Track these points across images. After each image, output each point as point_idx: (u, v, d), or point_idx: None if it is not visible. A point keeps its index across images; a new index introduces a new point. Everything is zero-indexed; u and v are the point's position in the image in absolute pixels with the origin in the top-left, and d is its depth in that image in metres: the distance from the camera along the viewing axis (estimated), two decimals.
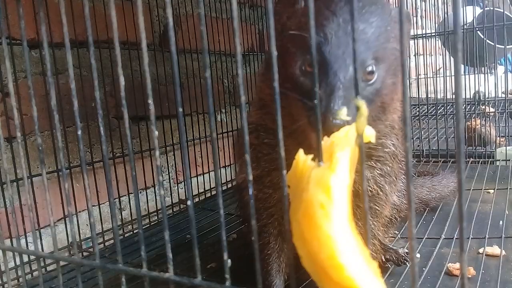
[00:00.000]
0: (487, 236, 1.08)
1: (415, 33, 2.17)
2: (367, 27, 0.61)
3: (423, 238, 1.12)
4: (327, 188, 0.37)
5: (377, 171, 0.75)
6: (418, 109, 2.38)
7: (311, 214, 0.38)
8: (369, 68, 0.61)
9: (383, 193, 0.77)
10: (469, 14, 2.37)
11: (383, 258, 0.96)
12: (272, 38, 0.38)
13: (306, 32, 0.58)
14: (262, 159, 0.76)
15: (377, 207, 0.79)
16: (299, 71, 0.61)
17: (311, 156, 0.42)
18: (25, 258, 1.08)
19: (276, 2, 0.75)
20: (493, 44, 1.92)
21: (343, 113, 0.54)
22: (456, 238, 1.09)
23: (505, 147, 1.89)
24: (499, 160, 1.82)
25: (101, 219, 1.31)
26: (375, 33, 0.62)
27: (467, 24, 2.19)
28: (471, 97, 2.24)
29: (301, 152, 0.42)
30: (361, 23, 0.61)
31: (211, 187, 1.71)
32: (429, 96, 2.12)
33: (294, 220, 0.40)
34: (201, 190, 1.68)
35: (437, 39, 2.46)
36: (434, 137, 2.06)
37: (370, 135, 0.47)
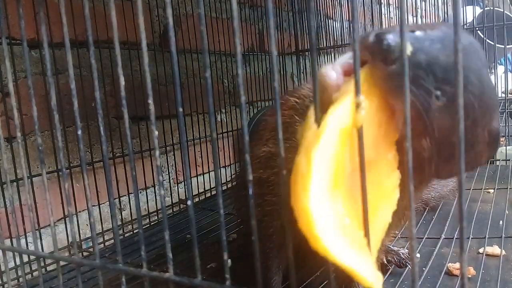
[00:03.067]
0: (487, 236, 1.08)
1: None
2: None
3: (423, 238, 1.12)
4: (308, 158, 0.38)
5: None
6: None
7: (294, 182, 0.38)
8: (437, 92, 0.48)
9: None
10: (469, 14, 2.37)
11: (384, 260, 0.96)
12: (272, 38, 0.38)
13: None
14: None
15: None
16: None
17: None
18: (25, 258, 1.08)
19: None
20: (493, 44, 1.92)
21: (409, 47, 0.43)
22: (456, 238, 1.09)
23: (505, 147, 1.89)
24: (499, 160, 1.82)
25: (101, 219, 1.31)
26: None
27: (467, 24, 2.19)
28: None
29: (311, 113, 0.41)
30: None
31: (211, 187, 1.71)
32: None
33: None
34: (201, 190, 1.68)
35: None
36: None
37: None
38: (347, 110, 0.39)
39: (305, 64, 2.34)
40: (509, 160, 1.77)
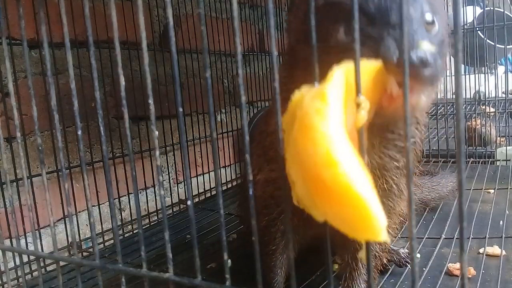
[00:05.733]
0: (487, 236, 1.08)
1: None
2: None
3: (423, 238, 1.12)
4: (322, 95, 0.37)
5: (395, 163, 0.68)
6: None
7: (306, 121, 0.37)
8: (429, 17, 0.52)
9: (397, 188, 0.71)
10: (469, 14, 2.37)
11: (385, 259, 0.96)
12: (272, 38, 0.38)
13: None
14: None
15: (390, 203, 0.73)
16: (345, 36, 0.54)
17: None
18: (25, 258, 1.08)
19: None
20: (493, 44, 1.92)
21: (425, 44, 0.45)
22: (456, 238, 1.09)
23: (505, 147, 1.89)
24: (499, 160, 1.82)
25: (101, 219, 1.30)
26: None
27: (468, 24, 2.19)
28: (472, 97, 2.24)
29: (296, 92, 0.41)
30: None
31: (211, 187, 1.71)
32: None
33: (289, 145, 0.39)
34: (201, 190, 1.68)
35: None
36: (434, 137, 2.06)
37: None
38: (350, 68, 0.39)
39: None
40: (509, 160, 1.77)
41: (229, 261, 0.43)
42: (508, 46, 2.31)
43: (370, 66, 0.44)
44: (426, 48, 0.45)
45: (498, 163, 1.81)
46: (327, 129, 0.36)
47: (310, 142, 0.36)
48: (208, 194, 1.69)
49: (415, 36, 0.47)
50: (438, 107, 2.13)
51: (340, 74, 0.39)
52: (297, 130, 0.38)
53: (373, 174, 0.67)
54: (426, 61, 0.44)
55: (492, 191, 1.44)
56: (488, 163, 1.78)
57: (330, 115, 0.36)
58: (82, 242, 1.26)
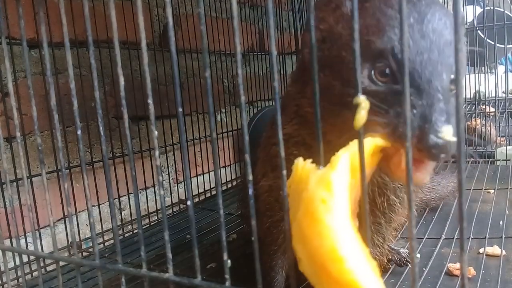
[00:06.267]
0: (487, 236, 1.08)
1: None
2: (447, 27, 0.51)
3: (423, 238, 1.12)
4: (327, 183, 0.38)
5: (400, 184, 0.70)
6: None
7: (312, 210, 0.38)
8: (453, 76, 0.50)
9: (401, 205, 0.74)
10: (470, 13, 2.37)
11: (385, 259, 0.96)
12: (272, 38, 0.38)
13: (371, 36, 0.49)
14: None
15: (392, 215, 0.76)
16: (368, 81, 0.50)
17: (310, 160, 0.42)
18: (25, 258, 1.08)
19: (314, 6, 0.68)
20: (493, 43, 1.92)
21: (448, 132, 0.44)
22: (456, 238, 1.09)
23: (505, 147, 1.89)
24: (499, 160, 1.82)
25: (101, 219, 1.30)
26: (452, 35, 0.51)
27: (467, 24, 2.19)
28: (472, 96, 2.24)
29: (300, 159, 0.42)
30: (440, 23, 0.51)
31: (211, 187, 1.71)
32: None
33: (294, 222, 0.40)
34: (201, 190, 1.68)
35: None
36: None
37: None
38: (355, 152, 0.40)
39: None
40: (509, 160, 1.77)
41: (229, 261, 0.43)
42: (508, 46, 2.30)
43: (372, 145, 0.45)
44: (447, 135, 0.44)
45: (498, 163, 1.81)
46: (333, 223, 0.36)
47: (316, 234, 0.37)
48: (208, 194, 1.69)
49: (441, 117, 0.45)
50: None
51: (346, 159, 0.40)
52: (303, 215, 0.39)
53: (374, 192, 0.70)
54: (444, 150, 0.44)
55: (492, 191, 1.44)
56: (488, 163, 1.78)
57: (335, 206, 0.37)
58: (82, 242, 1.26)
